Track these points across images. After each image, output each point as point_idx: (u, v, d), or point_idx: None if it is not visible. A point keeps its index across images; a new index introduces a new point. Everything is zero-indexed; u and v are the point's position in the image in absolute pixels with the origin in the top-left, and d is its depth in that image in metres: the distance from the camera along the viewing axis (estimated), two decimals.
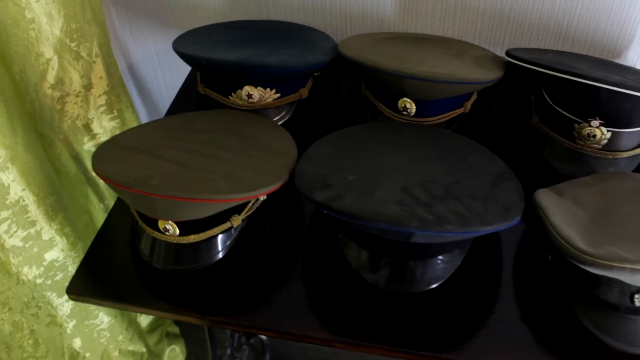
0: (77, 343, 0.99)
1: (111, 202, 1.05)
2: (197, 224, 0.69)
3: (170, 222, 0.68)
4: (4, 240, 0.78)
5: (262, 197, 0.72)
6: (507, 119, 0.89)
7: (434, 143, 0.74)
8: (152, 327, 1.26)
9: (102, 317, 1.02)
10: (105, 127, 0.97)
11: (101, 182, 1.03)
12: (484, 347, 0.63)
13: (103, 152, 0.71)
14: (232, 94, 0.85)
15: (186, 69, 1.02)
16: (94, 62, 0.90)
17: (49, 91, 0.84)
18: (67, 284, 0.71)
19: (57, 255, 0.87)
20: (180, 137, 0.75)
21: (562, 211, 0.65)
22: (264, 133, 0.78)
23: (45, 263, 0.86)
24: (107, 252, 0.76)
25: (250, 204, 0.72)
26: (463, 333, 0.64)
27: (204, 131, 0.77)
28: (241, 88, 0.83)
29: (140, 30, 1.09)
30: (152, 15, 1.06)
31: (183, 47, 0.85)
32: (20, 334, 0.89)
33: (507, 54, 0.80)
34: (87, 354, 1.03)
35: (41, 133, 0.86)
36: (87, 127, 0.94)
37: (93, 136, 0.95)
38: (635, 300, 0.61)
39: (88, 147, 0.96)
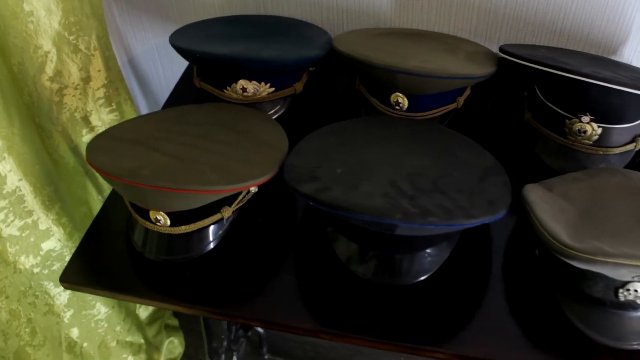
0: (74, 333, 1.01)
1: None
2: (188, 215, 0.70)
3: (161, 212, 0.69)
4: (1, 229, 0.80)
5: (254, 189, 0.73)
6: (501, 115, 0.90)
7: (425, 138, 0.75)
8: (151, 319, 1.27)
9: (100, 308, 1.03)
10: (103, 120, 0.98)
11: None
12: (470, 340, 0.64)
13: (97, 144, 0.72)
14: (227, 87, 0.86)
15: (186, 62, 1.03)
16: (93, 55, 0.91)
17: (48, 83, 0.86)
18: None
19: (54, 245, 0.88)
20: (174, 129, 0.76)
21: (550, 206, 0.66)
22: (257, 126, 0.78)
23: (42, 253, 0.87)
24: (101, 242, 0.77)
25: (241, 196, 0.73)
26: (449, 326, 0.65)
27: (197, 124, 0.78)
28: (236, 82, 0.84)
29: (140, 25, 1.10)
30: (152, 9, 1.07)
31: (179, 40, 0.86)
32: (17, 322, 0.90)
33: (501, 49, 0.80)
34: (85, 344, 1.05)
35: (39, 125, 0.88)
36: (86, 120, 0.95)
37: (92, 128, 0.96)
38: (620, 295, 0.61)
39: (86, 139, 0.97)
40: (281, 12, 1.01)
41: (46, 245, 0.87)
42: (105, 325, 1.07)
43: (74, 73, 0.89)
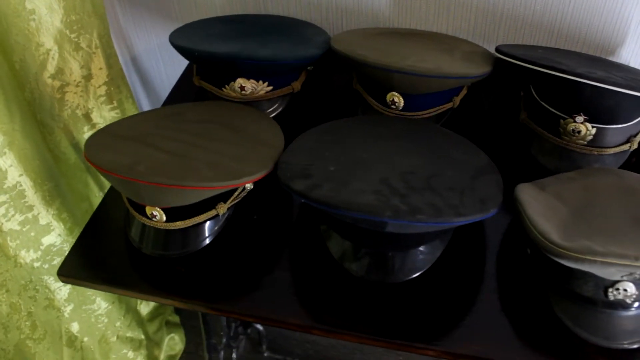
0: (74, 327, 1.02)
1: None
2: (183, 211, 0.71)
3: (157, 208, 0.70)
4: (2, 224, 0.81)
5: (249, 186, 0.74)
6: (497, 115, 0.90)
7: (419, 137, 0.75)
8: (152, 316, 1.28)
9: (100, 303, 1.04)
10: (105, 117, 0.99)
11: None
12: (461, 338, 0.64)
13: (95, 140, 0.73)
14: (226, 86, 0.87)
15: (187, 61, 1.04)
16: (94, 53, 0.92)
17: (49, 80, 0.87)
18: None
19: (54, 240, 0.89)
20: (171, 127, 0.77)
21: (541, 205, 0.66)
22: (253, 124, 0.79)
23: (42, 247, 0.88)
24: (99, 237, 0.78)
25: (236, 193, 0.73)
26: (441, 323, 0.65)
27: (195, 122, 0.79)
28: (234, 80, 0.85)
29: (143, 24, 1.12)
30: (154, 9, 1.08)
31: (178, 39, 0.87)
32: (17, 315, 0.92)
33: (497, 49, 0.81)
34: (85, 339, 1.06)
35: (41, 121, 0.89)
36: (87, 117, 0.96)
37: (93, 125, 0.98)
38: (610, 294, 0.61)
39: (88, 136, 0.98)
40: (281, 12, 1.02)
41: (46, 240, 0.88)
42: (106, 320, 1.08)
43: (75, 71, 0.90)
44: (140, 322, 1.21)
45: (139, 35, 1.14)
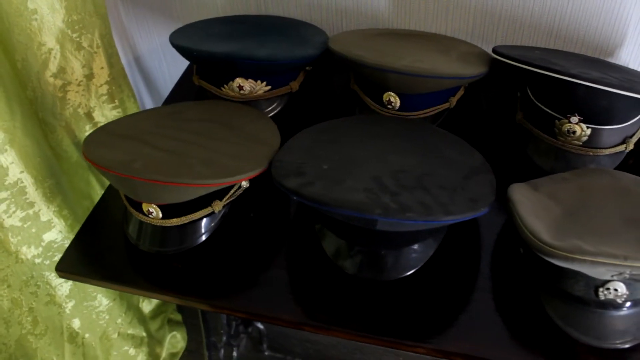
0: (76, 323, 1.03)
1: None
2: (179, 208, 0.71)
3: (153, 205, 0.71)
4: (3, 220, 0.82)
5: (245, 184, 0.74)
6: (494, 115, 0.90)
7: (414, 136, 0.76)
8: (154, 314, 1.29)
9: (101, 300, 1.06)
10: (106, 116, 1.01)
11: None
12: (452, 336, 0.65)
13: (94, 138, 0.74)
14: (225, 85, 0.87)
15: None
16: (95, 52, 0.94)
17: (51, 79, 0.88)
18: None
19: (55, 236, 0.91)
20: (169, 125, 0.78)
21: (534, 205, 0.66)
22: (250, 123, 0.80)
23: (43, 243, 0.90)
24: (98, 233, 0.79)
25: (232, 190, 0.74)
26: (431, 321, 0.66)
27: (193, 120, 0.80)
28: (232, 80, 0.86)
29: (145, 24, 1.13)
30: (157, 9, 1.10)
31: (178, 39, 0.88)
32: (19, 310, 0.93)
33: (493, 50, 0.81)
34: (87, 335, 1.07)
35: (43, 119, 0.90)
36: (89, 115, 0.98)
37: (95, 124, 0.99)
38: (600, 294, 0.61)
39: None
40: (282, 12, 1.02)
41: (47, 237, 0.90)
42: (107, 317, 1.09)
43: (77, 70, 0.91)
44: (142, 319, 1.22)
45: (141, 35, 1.15)
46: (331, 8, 0.99)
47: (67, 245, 0.93)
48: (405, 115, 0.83)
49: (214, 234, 0.75)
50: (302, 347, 1.38)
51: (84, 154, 0.70)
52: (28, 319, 0.95)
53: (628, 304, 0.62)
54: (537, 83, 0.78)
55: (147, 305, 1.26)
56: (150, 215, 0.72)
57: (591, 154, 0.76)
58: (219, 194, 0.73)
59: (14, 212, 0.83)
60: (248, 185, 0.75)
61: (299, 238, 0.76)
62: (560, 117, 0.75)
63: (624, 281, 0.60)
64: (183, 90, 1.00)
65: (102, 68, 0.96)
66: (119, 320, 1.13)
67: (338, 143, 0.73)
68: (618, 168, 0.78)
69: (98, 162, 0.68)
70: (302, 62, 0.87)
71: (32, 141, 0.83)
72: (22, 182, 0.82)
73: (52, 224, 0.89)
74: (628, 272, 0.57)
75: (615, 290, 0.60)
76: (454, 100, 0.85)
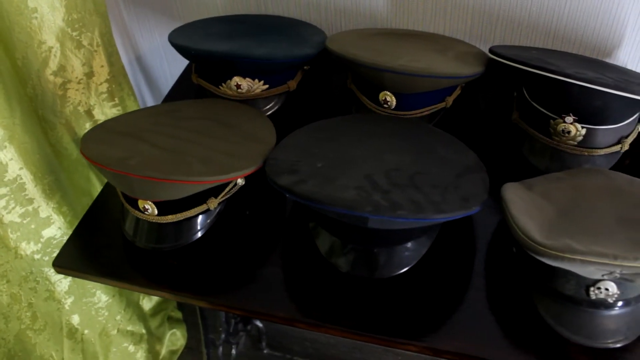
0: (75, 319, 1.04)
1: None
2: (175, 205, 0.72)
3: (149, 202, 0.71)
4: (2, 216, 0.83)
5: (240, 182, 0.75)
6: (490, 115, 0.90)
7: (409, 135, 0.76)
8: (155, 311, 1.30)
9: (100, 296, 1.06)
10: (106, 114, 1.01)
11: None
12: (444, 334, 0.65)
13: (92, 135, 0.75)
14: (223, 84, 0.88)
15: None
16: (95, 51, 0.94)
17: (51, 77, 0.89)
18: None
19: (55, 232, 0.91)
20: (167, 123, 0.79)
21: (527, 204, 0.66)
22: (247, 122, 0.81)
23: (42, 240, 0.90)
24: (95, 229, 0.80)
25: (227, 188, 0.75)
26: (424, 319, 0.66)
27: (190, 118, 0.80)
28: (230, 78, 0.87)
29: (146, 23, 1.14)
30: (158, 9, 1.11)
31: (177, 38, 0.88)
32: (18, 305, 0.94)
33: (490, 50, 0.81)
34: (86, 331, 1.08)
35: (43, 117, 0.91)
36: (89, 113, 0.98)
37: (95, 122, 0.99)
38: (591, 293, 0.61)
39: None
40: (281, 12, 1.03)
41: (47, 233, 0.91)
42: (106, 313, 1.10)
43: (77, 68, 0.92)
44: (141, 316, 1.23)
45: (142, 34, 1.16)
46: (330, 8, 1.00)
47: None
48: (401, 115, 0.83)
49: (209, 231, 0.76)
50: (301, 346, 1.39)
51: (82, 151, 0.70)
52: (27, 314, 0.96)
53: (619, 303, 0.62)
54: (532, 83, 0.78)
55: (148, 302, 1.27)
56: (146, 212, 0.72)
57: (586, 154, 0.76)
58: (215, 191, 0.74)
59: (13, 208, 0.84)
60: (244, 182, 0.75)
61: (293, 236, 0.76)
62: (555, 116, 0.75)
63: (615, 281, 0.60)
64: (182, 89, 1.01)
65: (102, 66, 0.97)
66: (119, 317, 1.14)
67: (333, 142, 0.73)
68: (614, 168, 0.78)
69: (95, 159, 0.69)
70: (300, 62, 0.88)
71: (32, 138, 0.84)
72: (21, 178, 0.83)
73: (52, 221, 0.90)
74: (618, 271, 0.58)
75: (606, 289, 0.61)
76: (450, 100, 0.85)
